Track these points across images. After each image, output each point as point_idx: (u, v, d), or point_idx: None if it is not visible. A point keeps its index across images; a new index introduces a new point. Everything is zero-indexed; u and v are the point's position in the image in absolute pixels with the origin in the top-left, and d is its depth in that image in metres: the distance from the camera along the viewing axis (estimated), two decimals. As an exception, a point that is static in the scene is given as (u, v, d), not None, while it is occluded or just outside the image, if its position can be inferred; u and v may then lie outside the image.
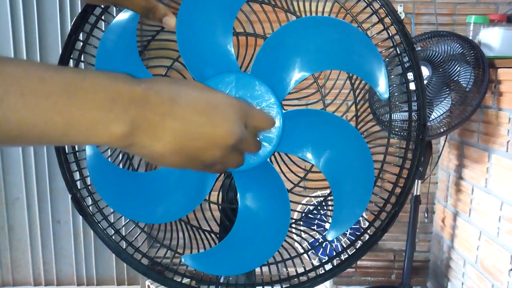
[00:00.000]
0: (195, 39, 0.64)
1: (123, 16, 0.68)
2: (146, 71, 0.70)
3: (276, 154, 0.84)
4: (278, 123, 0.61)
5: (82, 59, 0.78)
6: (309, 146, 0.64)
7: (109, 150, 0.84)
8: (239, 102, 0.45)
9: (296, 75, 0.62)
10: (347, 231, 1.40)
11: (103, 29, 0.73)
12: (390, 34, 0.69)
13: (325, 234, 0.66)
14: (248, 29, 0.78)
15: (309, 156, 0.65)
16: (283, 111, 0.62)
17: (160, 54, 0.84)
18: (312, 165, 0.82)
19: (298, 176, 0.83)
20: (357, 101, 0.77)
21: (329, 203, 0.84)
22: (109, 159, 0.85)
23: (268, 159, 0.82)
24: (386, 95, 0.61)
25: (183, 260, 0.69)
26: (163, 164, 0.40)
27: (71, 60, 0.76)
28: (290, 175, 0.82)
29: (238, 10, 0.64)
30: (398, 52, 0.69)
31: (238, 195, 0.67)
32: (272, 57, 0.62)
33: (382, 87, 0.61)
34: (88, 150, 0.70)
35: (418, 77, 0.66)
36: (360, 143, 0.63)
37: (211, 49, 0.64)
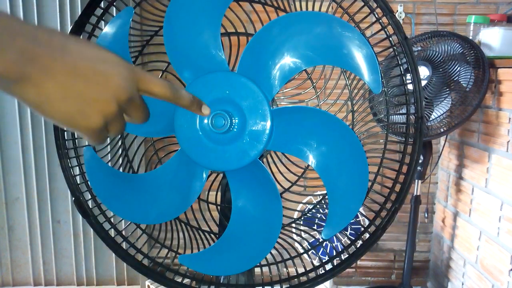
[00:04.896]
0: (182, 40, 0.63)
1: (115, 22, 0.67)
2: None
3: (273, 154, 0.84)
4: (268, 122, 0.60)
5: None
6: (300, 142, 0.63)
7: (109, 154, 0.84)
8: (130, 64, 0.43)
9: (283, 72, 0.61)
10: (347, 230, 1.39)
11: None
12: (387, 32, 0.69)
13: (320, 233, 0.65)
14: (249, 29, 0.78)
15: (301, 153, 0.64)
16: (272, 109, 0.61)
17: (158, 57, 0.84)
18: (309, 164, 0.83)
19: (297, 176, 0.83)
20: (352, 96, 0.77)
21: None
22: (109, 163, 0.85)
23: (264, 159, 0.81)
24: (379, 89, 0.60)
25: (179, 260, 0.69)
26: (51, 113, 0.38)
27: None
28: (289, 175, 0.82)
29: (225, 9, 0.63)
30: (392, 43, 0.68)
31: (231, 195, 0.66)
32: (258, 55, 0.62)
33: (374, 81, 0.60)
34: (87, 154, 0.70)
35: (414, 68, 0.66)
36: (351, 138, 0.62)
37: (198, 49, 0.63)
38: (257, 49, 0.62)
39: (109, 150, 0.85)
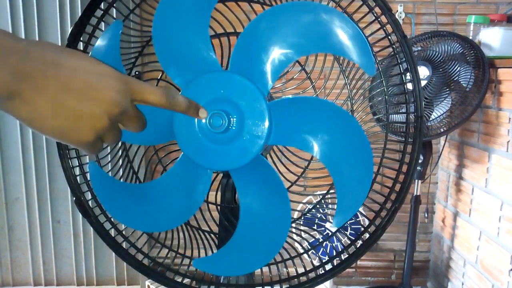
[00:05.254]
0: (172, 46, 0.63)
1: (106, 35, 0.68)
2: None
3: (273, 154, 0.84)
4: (266, 116, 0.60)
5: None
6: (300, 132, 0.63)
7: (109, 156, 0.84)
8: (124, 75, 0.43)
9: (275, 65, 0.61)
10: (346, 230, 1.39)
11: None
12: (386, 31, 0.69)
13: (332, 222, 0.64)
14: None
15: (303, 143, 0.63)
16: (269, 102, 0.61)
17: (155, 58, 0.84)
18: (309, 163, 0.83)
19: (297, 176, 0.83)
20: (352, 95, 0.77)
21: (329, 201, 0.84)
22: (109, 164, 0.86)
23: (265, 156, 0.80)
24: (373, 71, 0.58)
25: (193, 264, 0.69)
26: (43, 129, 0.39)
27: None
28: (289, 175, 0.82)
29: (212, 9, 0.63)
30: (392, 42, 0.68)
31: (238, 193, 0.67)
32: (248, 51, 0.61)
33: (367, 63, 0.59)
34: (92, 170, 0.70)
35: (413, 67, 0.66)
36: (351, 123, 0.62)
37: (188, 51, 0.63)
38: (247, 44, 0.62)
39: (109, 151, 0.85)
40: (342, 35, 0.59)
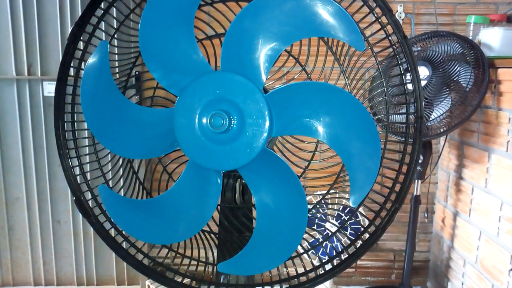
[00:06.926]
0: (162, 56, 0.64)
1: (94, 58, 0.68)
2: (129, 101, 0.70)
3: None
4: (265, 108, 0.60)
5: (82, 66, 0.78)
6: (302, 119, 0.63)
7: (109, 155, 0.84)
8: None
9: (265, 57, 0.61)
10: (346, 230, 1.40)
11: (100, 38, 0.74)
12: (386, 31, 0.69)
13: (350, 202, 0.63)
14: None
15: (306, 128, 0.63)
16: (265, 94, 0.61)
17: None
18: (309, 164, 0.83)
19: (297, 176, 0.83)
20: (350, 89, 0.77)
21: (329, 201, 0.84)
22: (109, 164, 0.86)
23: (271, 148, 0.80)
24: (362, 47, 0.59)
25: (218, 268, 0.68)
26: None
27: (71, 68, 0.76)
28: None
29: (194, 15, 0.64)
30: (392, 43, 0.68)
31: (251, 191, 0.66)
32: (236, 47, 0.62)
33: (355, 40, 0.59)
34: (102, 192, 0.70)
35: (414, 68, 0.66)
36: (350, 100, 0.62)
37: (178, 58, 0.64)
38: (234, 41, 0.62)
39: (108, 151, 0.85)
40: (325, 14, 0.58)
